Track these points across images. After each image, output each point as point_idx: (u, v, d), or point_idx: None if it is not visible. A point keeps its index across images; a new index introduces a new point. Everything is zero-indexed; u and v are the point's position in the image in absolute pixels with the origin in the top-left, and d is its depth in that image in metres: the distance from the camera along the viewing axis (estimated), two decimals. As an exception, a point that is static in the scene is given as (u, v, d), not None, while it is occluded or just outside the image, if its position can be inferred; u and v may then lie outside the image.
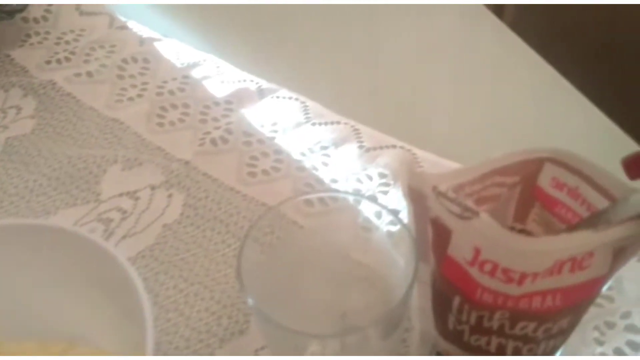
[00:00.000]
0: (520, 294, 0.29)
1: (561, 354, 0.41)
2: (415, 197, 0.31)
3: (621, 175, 0.29)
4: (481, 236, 0.27)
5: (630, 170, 0.28)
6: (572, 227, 0.30)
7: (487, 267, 0.28)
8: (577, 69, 0.60)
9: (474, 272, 0.29)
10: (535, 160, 0.32)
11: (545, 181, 0.33)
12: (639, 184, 0.28)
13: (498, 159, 0.32)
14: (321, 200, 0.44)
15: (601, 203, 0.31)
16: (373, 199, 0.36)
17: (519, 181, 0.33)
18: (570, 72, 0.61)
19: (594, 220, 0.28)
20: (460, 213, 0.28)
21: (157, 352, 0.43)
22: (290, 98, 0.61)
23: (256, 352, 0.43)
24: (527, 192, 0.33)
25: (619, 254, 0.29)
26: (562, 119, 0.59)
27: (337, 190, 0.52)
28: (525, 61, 0.66)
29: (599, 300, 0.44)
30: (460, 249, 0.29)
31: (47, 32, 0.68)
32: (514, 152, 0.32)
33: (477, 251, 0.28)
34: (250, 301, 0.34)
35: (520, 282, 0.28)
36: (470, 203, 0.28)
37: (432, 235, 0.31)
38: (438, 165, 0.54)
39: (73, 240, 0.39)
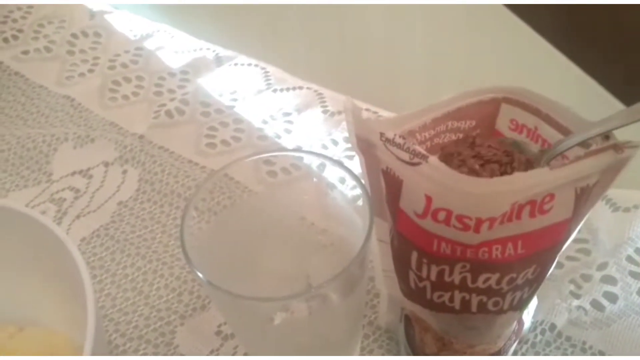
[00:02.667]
0: (478, 242, 0.27)
1: (536, 309, 0.40)
2: (365, 148, 0.29)
3: (580, 111, 0.27)
4: (431, 181, 0.25)
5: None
6: (528, 167, 0.28)
7: (441, 215, 0.26)
8: (544, 19, 0.58)
9: (427, 224, 0.27)
10: (491, 102, 0.30)
11: (503, 124, 0.30)
12: (597, 118, 0.26)
13: (449, 100, 0.29)
14: (283, 168, 0.42)
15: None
16: (325, 156, 0.33)
17: (475, 125, 0.31)
18: (529, 17, 0.59)
19: (547, 156, 0.26)
20: (408, 159, 0.26)
21: (112, 333, 0.41)
22: (249, 65, 0.58)
23: (219, 327, 0.41)
24: (485, 137, 0.31)
25: (582, 195, 0.27)
26: (518, 58, 0.57)
27: (288, 149, 0.49)
28: (498, 19, 0.64)
29: (574, 253, 0.43)
30: (411, 200, 0.27)
31: (-7, 11, 0.65)
32: (465, 92, 0.29)
33: (429, 199, 0.26)
34: (200, 275, 0.31)
35: (476, 229, 0.26)
36: (419, 148, 0.26)
37: (385, 189, 0.29)
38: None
39: (18, 219, 0.36)
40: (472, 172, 0.28)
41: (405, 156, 0.26)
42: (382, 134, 0.27)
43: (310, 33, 0.63)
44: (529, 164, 0.29)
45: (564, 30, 0.57)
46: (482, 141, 0.30)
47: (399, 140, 0.27)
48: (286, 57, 0.59)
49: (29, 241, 0.37)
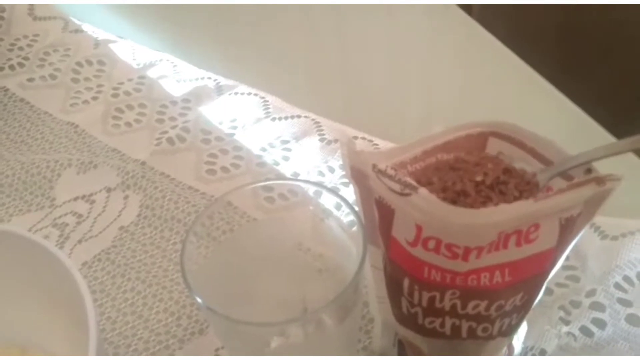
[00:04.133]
0: (467, 270, 0.28)
1: (526, 335, 0.40)
2: (359, 178, 0.30)
3: (565, 144, 0.29)
4: (421, 212, 0.27)
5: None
6: (515, 198, 0.29)
7: (431, 244, 0.27)
8: (534, 51, 0.60)
9: (418, 252, 0.28)
10: (479, 135, 0.31)
11: (492, 156, 0.32)
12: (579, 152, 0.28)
13: (438, 134, 0.31)
14: (281, 194, 0.43)
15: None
16: (322, 185, 0.34)
17: (464, 158, 0.32)
18: (527, 55, 0.61)
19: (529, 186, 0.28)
20: (400, 190, 0.27)
21: (112, 356, 0.42)
22: (249, 94, 0.60)
23: (216, 352, 0.42)
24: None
25: (566, 225, 0.28)
26: (510, 90, 0.58)
27: (287, 178, 0.51)
28: (493, 53, 0.65)
29: (564, 280, 0.44)
30: (403, 229, 0.28)
31: (0, 39, 0.66)
32: (454, 126, 0.31)
33: (419, 228, 0.27)
34: (199, 300, 0.32)
35: (465, 257, 0.27)
36: (409, 180, 0.27)
37: (378, 217, 0.30)
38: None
39: (21, 244, 0.37)
40: (465, 194, 0.29)
41: (397, 187, 0.28)
42: (374, 166, 0.29)
43: (308, 64, 0.65)
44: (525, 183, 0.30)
45: (555, 63, 0.59)
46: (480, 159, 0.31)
47: (390, 172, 0.28)
48: (285, 86, 0.60)
49: (32, 265, 0.38)
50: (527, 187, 0.29)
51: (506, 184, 0.29)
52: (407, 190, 0.27)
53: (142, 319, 0.44)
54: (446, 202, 0.26)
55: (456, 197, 0.29)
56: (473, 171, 0.29)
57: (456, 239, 0.27)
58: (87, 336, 0.32)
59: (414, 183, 0.27)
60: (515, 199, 0.29)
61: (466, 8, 0.75)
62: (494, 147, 0.31)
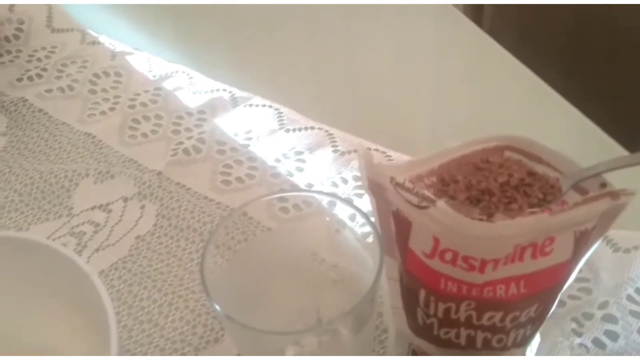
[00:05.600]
0: (483, 282, 0.28)
1: (539, 347, 0.41)
2: (376, 190, 0.31)
3: (579, 158, 0.29)
4: (439, 224, 0.27)
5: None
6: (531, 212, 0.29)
7: (448, 256, 0.28)
8: (548, 67, 0.61)
9: (435, 264, 0.29)
10: (494, 149, 0.32)
11: (506, 170, 0.32)
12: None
13: (455, 148, 0.31)
14: (295, 205, 0.44)
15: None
16: (337, 196, 0.35)
17: (479, 171, 0.33)
18: (540, 70, 0.62)
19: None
20: (417, 203, 0.28)
21: (130, 364, 0.42)
22: (263, 105, 0.60)
23: (232, 360, 0.42)
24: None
25: (581, 238, 0.29)
26: (523, 104, 0.59)
27: (303, 189, 0.51)
28: (504, 65, 0.66)
29: (576, 292, 0.44)
30: (420, 241, 0.29)
31: (19, 50, 0.68)
32: (470, 140, 0.31)
33: (437, 241, 0.28)
34: (217, 308, 0.33)
35: (481, 269, 0.28)
36: (427, 192, 0.28)
37: (395, 229, 0.31)
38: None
39: (42, 251, 0.38)
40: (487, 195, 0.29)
41: (415, 200, 0.28)
42: (392, 178, 0.29)
43: (322, 76, 0.66)
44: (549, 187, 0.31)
45: (568, 78, 0.59)
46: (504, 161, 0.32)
47: (408, 185, 0.28)
48: (299, 98, 0.61)
49: (51, 273, 0.38)
50: (550, 190, 0.30)
51: (531, 186, 0.30)
52: (425, 203, 0.28)
53: (158, 327, 0.44)
54: (469, 201, 0.27)
55: (480, 196, 0.29)
56: (497, 172, 0.30)
57: (473, 252, 0.27)
58: (108, 341, 0.33)
59: (432, 196, 0.27)
60: (540, 201, 0.29)
61: (476, 18, 0.76)
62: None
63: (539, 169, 0.31)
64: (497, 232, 0.26)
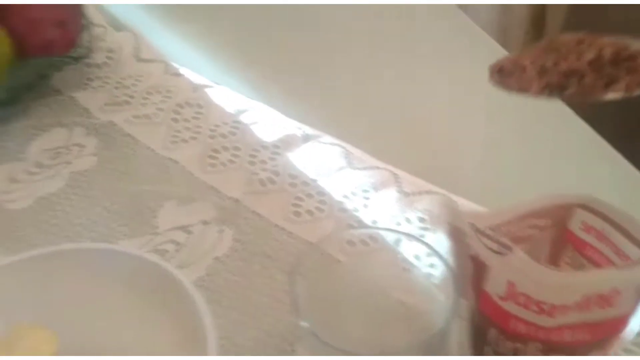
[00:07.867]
0: (551, 326, 0.31)
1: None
2: (456, 235, 0.34)
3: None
4: (515, 270, 0.30)
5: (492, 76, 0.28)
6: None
7: (521, 299, 0.31)
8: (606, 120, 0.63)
9: (508, 305, 0.32)
10: (567, 206, 0.35)
11: (575, 225, 0.36)
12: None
13: (531, 202, 0.35)
14: (362, 239, 0.47)
15: (628, 247, 0.33)
16: (412, 235, 0.39)
17: (550, 224, 0.36)
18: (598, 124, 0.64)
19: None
20: (497, 249, 0.31)
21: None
22: (332, 144, 0.65)
23: (299, 380, 0.46)
24: (559, 235, 0.36)
25: (642, 293, 0.32)
26: (588, 167, 0.62)
27: (379, 227, 0.55)
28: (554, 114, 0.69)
29: (630, 346, 0.47)
30: (495, 284, 0.32)
31: (108, 77, 0.73)
32: (547, 196, 0.35)
33: (512, 285, 0.31)
34: (304, 324, 0.37)
35: (550, 313, 0.31)
36: (506, 240, 0.31)
37: (471, 272, 0.34)
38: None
39: (142, 266, 0.43)
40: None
41: (494, 246, 0.32)
42: (473, 225, 0.33)
43: (388, 119, 0.70)
44: None
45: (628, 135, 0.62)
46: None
47: (488, 232, 0.32)
48: (366, 139, 0.65)
49: (148, 285, 0.43)
50: None
51: (635, 59, 0.24)
52: (503, 250, 0.31)
53: (236, 346, 0.48)
54: (552, 87, 0.22)
55: (564, 81, 0.25)
56: (578, 50, 0.24)
57: (545, 297, 0.30)
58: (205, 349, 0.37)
59: (510, 243, 0.31)
60: None
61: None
62: (579, 217, 0.35)
63: (615, 236, 0.33)
64: (566, 281, 0.30)
